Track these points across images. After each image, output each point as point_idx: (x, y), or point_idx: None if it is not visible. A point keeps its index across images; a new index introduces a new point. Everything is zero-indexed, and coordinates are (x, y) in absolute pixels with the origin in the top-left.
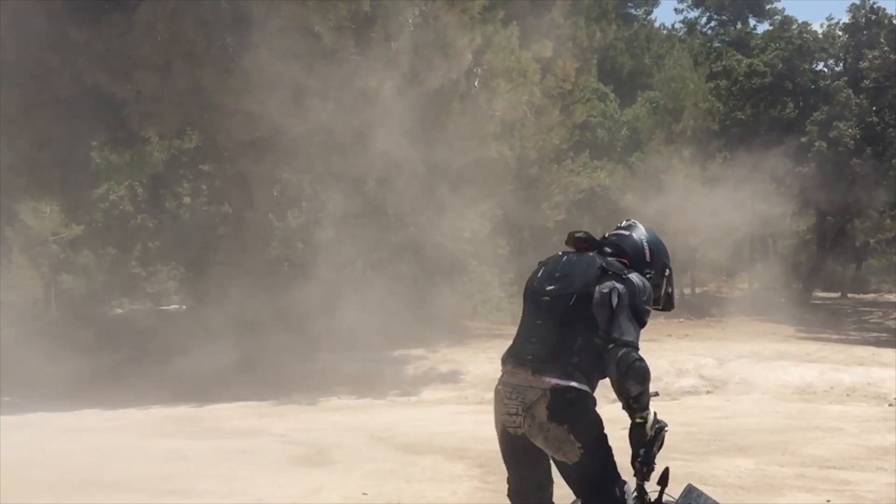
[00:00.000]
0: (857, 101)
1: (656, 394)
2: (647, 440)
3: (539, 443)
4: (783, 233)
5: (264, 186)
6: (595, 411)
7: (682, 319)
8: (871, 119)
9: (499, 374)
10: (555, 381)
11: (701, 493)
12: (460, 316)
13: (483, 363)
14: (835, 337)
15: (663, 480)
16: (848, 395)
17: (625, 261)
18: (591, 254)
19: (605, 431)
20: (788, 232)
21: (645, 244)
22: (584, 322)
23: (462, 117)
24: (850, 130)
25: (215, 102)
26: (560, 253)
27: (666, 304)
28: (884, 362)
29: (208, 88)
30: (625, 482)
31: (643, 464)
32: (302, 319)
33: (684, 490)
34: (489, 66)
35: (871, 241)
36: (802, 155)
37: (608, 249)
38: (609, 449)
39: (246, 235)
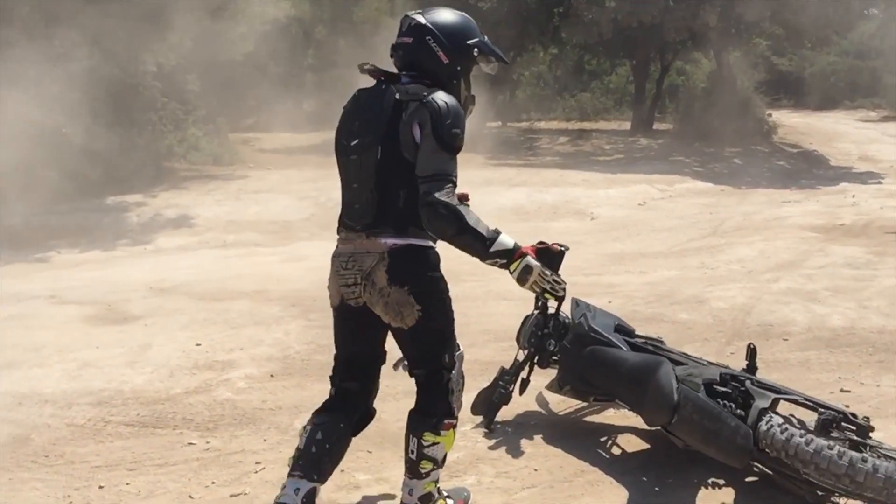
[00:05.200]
0: None
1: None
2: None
3: (379, 310)
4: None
5: None
6: (437, 267)
7: None
8: None
9: (232, 216)
10: (391, 241)
11: (588, 304)
12: (156, 157)
13: (212, 206)
14: (519, 162)
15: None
16: (555, 213)
17: (426, 79)
18: (385, 86)
19: (447, 289)
20: None
21: (433, 43)
22: (401, 169)
23: None
24: None
25: None
26: (356, 93)
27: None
28: (572, 182)
29: None
30: (458, 348)
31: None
32: None
33: (571, 304)
34: None
35: (526, 73)
36: None
37: (406, 73)
38: (448, 309)
39: None
